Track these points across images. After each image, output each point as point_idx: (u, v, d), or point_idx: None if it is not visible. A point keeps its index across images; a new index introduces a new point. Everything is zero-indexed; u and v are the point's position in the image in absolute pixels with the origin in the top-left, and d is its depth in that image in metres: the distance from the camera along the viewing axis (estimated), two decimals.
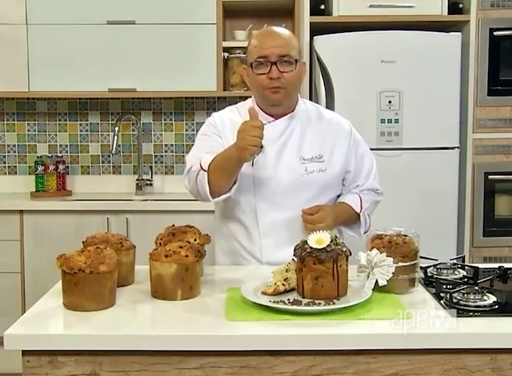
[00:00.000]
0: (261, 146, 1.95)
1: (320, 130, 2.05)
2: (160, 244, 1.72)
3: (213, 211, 2.19)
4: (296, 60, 1.95)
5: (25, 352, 1.34)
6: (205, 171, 1.89)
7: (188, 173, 1.98)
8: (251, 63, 1.95)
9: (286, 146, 2.01)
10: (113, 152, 3.57)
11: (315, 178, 1.99)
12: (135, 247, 1.72)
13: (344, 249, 1.53)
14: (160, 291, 1.55)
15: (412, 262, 1.60)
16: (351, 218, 2.06)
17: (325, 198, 2.02)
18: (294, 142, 2.01)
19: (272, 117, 2.02)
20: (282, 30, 2.01)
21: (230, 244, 2.06)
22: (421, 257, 1.65)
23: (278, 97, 1.96)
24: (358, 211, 2.04)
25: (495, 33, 3.23)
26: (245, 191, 1.98)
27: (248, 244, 2.02)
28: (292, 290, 1.55)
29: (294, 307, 1.43)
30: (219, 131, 2.03)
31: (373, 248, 1.58)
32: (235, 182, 1.92)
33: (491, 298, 1.49)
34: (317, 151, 2.01)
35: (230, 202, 2.02)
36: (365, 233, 2.06)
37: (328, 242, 1.50)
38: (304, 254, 1.50)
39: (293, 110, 2.04)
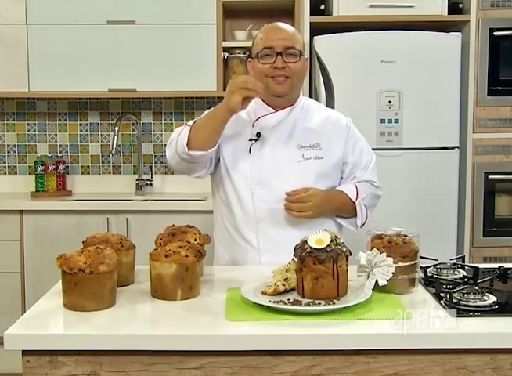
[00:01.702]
0: (259, 135, 1.98)
1: (319, 122, 2.08)
2: (160, 243, 1.72)
3: (213, 212, 2.19)
4: (300, 52, 2.00)
5: (25, 352, 1.34)
6: (189, 126, 1.95)
7: (170, 143, 2.02)
8: (257, 54, 2.00)
9: (283, 134, 2.04)
10: (113, 152, 3.57)
11: (312, 165, 2.02)
12: (135, 247, 1.72)
13: (344, 249, 1.53)
14: (160, 290, 1.55)
15: (412, 262, 1.60)
16: (347, 207, 2.04)
17: (322, 187, 2.03)
18: (292, 130, 2.04)
19: (274, 108, 2.05)
20: (287, 26, 2.07)
21: (227, 233, 2.07)
22: (421, 257, 1.65)
23: (282, 89, 1.99)
24: (354, 200, 2.03)
25: (495, 33, 3.23)
26: (242, 177, 2.02)
27: (245, 229, 2.03)
28: (292, 290, 1.55)
29: (294, 307, 1.43)
30: None
31: (373, 248, 1.58)
32: (214, 146, 1.95)
33: (491, 298, 1.49)
34: (315, 140, 2.04)
35: (227, 187, 2.05)
36: (362, 225, 2.06)
37: (328, 242, 1.50)
38: (304, 254, 1.50)
39: (294, 103, 2.06)
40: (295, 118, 2.06)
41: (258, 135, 2.03)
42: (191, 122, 1.98)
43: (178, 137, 1.96)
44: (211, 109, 1.97)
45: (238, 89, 1.83)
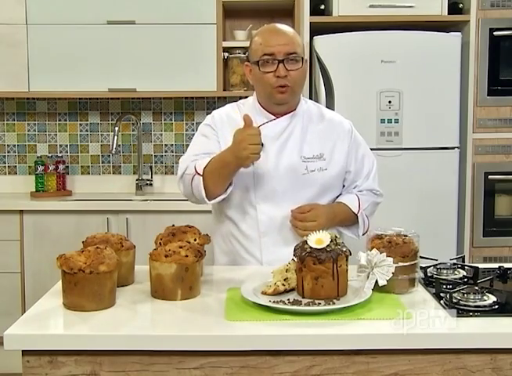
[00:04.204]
0: (262, 144, 1.95)
1: (321, 129, 2.04)
2: (160, 243, 1.72)
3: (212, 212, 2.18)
4: (302, 58, 1.95)
5: (25, 352, 1.34)
6: (200, 175, 1.90)
7: (182, 177, 1.99)
8: (257, 61, 1.94)
9: (286, 144, 2.00)
10: (113, 152, 3.58)
11: (316, 177, 1.99)
12: (135, 247, 1.72)
13: (344, 249, 1.53)
14: (160, 290, 1.55)
15: (412, 262, 1.60)
16: (349, 219, 2.04)
17: (326, 198, 2.02)
18: (295, 140, 2.01)
19: (274, 115, 2.02)
20: (286, 28, 2.00)
21: (229, 244, 2.05)
22: (421, 257, 1.65)
23: (284, 97, 1.95)
24: (356, 212, 2.02)
25: (495, 33, 3.23)
26: (245, 190, 1.98)
27: (248, 243, 2.00)
28: (292, 290, 1.55)
29: (294, 307, 1.43)
30: (217, 131, 2.03)
31: (373, 248, 1.58)
32: (230, 184, 1.93)
33: (491, 298, 1.49)
34: (318, 150, 2.01)
35: (229, 201, 2.01)
36: (363, 234, 2.05)
37: (328, 242, 1.50)
38: (304, 254, 1.50)
39: (294, 109, 2.03)
40: (298, 126, 2.02)
41: (261, 145, 1.99)
42: (198, 164, 1.91)
43: (191, 185, 1.94)
44: (219, 157, 1.90)
45: (251, 155, 1.82)
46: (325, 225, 1.91)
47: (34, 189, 3.63)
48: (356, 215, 2.03)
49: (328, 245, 1.50)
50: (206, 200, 1.93)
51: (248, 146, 1.80)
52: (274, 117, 2.02)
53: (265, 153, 1.96)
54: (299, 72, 1.94)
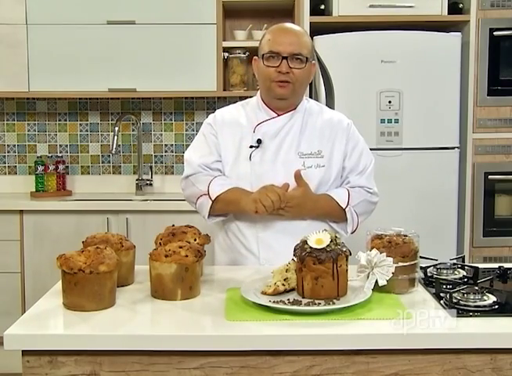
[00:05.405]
0: (260, 141, 2.00)
1: (320, 127, 2.06)
2: (160, 244, 1.72)
3: None
4: (307, 59, 1.97)
5: (25, 352, 1.34)
6: (211, 200, 1.98)
7: (186, 179, 2.06)
8: (263, 55, 1.98)
9: (284, 141, 2.02)
10: (113, 152, 3.58)
11: (312, 174, 1.99)
12: (134, 247, 1.72)
13: (344, 249, 1.53)
14: (160, 291, 1.55)
15: (412, 262, 1.60)
16: (335, 214, 2.01)
17: None
18: (293, 137, 2.03)
19: (275, 112, 2.04)
20: (296, 28, 2.04)
21: (228, 240, 2.07)
22: (421, 257, 1.65)
23: (283, 92, 1.97)
24: (344, 206, 2.00)
25: (495, 33, 3.23)
26: (243, 186, 1.99)
27: (245, 239, 2.02)
28: (292, 290, 1.55)
29: (294, 307, 1.43)
30: (216, 131, 2.06)
31: (373, 248, 1.58)
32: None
33: (491, 298, 1.49)
34: (316, 147, 2.02)
35: None
36: (352, 232, 2.04)
37: (328, 242, 1.50)
38: (304, 255, 1.50)
39: (295, 108, 2.05)
40: (296, 123, 2.03)
41: (259, 141, 2.01)
42: (213, 187, 1.99)
43: (196, 199, 2.03)
44: (236, 193, 1.97)
45: (253, 210, 1.87)
46: (298, 210, 1.93)
47: (34, 189, 3.63)
48: (344, 209, 2.01)
49: (328, 245, 1.50)
50: (206, 219, 2.04)
51: (258, 203, 1.86)
52: (275, 115, 2.04)
53: (263, 149, 2.01)
54: (302, 71, 1.96)
